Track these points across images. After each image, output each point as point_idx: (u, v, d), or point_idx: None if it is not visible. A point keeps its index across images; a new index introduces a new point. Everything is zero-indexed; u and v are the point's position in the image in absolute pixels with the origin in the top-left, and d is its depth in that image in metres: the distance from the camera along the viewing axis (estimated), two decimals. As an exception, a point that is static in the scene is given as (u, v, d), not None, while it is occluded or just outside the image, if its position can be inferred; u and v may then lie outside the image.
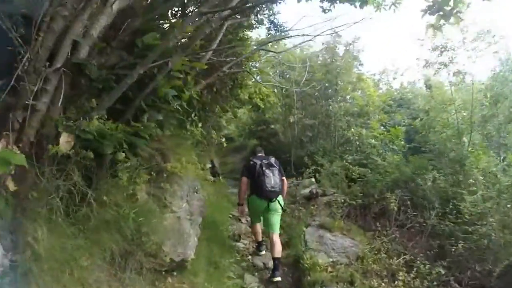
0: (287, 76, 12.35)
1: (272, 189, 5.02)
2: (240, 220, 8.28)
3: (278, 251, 5.00)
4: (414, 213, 6.57)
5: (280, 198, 5.22)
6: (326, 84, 12.03)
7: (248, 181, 5.33)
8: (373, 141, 11.00)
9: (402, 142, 10.30)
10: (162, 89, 3.64)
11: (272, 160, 5.39)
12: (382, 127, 11.72)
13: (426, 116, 9.71)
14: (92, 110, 3.14)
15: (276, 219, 5.22)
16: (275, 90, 13.50)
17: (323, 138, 12.08)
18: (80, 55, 3.37)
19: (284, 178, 5.48)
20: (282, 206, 5.27)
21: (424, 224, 6.38)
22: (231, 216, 8.75)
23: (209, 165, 10.32)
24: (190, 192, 5.19)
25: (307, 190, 8.76)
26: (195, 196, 5.49)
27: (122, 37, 4.02)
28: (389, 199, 6.71)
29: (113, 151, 3.13)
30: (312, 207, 7.83)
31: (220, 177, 11.05)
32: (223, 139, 9.34)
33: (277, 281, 4.89)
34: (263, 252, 5.77)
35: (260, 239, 5.69)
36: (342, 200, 7.35)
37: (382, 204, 6.90)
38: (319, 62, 12.24)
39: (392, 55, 27.49)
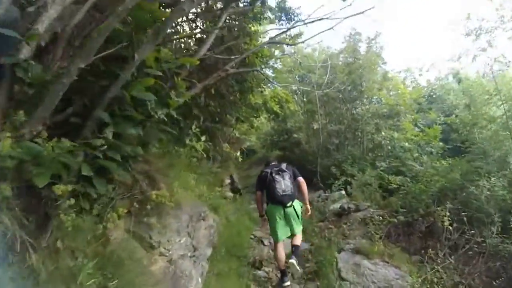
0: (307, 80, 11.20)
1: (284, 193, 4.73)
2: (262, 242, 7.17)
3: (298, 240, 4.88)
4: (470, 230, 5.17)
5: (296, 202, 4.89)
6: (350, 86, 10.82)
7: (263, 193, 5.06)
8: (406, 144, 9.68)
9: (441, 143, 8.91)
10: (131, 92, 2.63)
11: (284, 166, 5.09)
12: (415, 128, 10.37)
13: (467, 111, 8.28)
14: (22, 125, 2.16)
15: (296, 223, 4.88)
16: (295, 97, 12.45)
17: (351, 145, 10.82)
18: (19, 55, 2.43)
19: (300, 178, 5.10)
20: (299, 211, 4.94)
21: (484, 244, 5.01)
22: (252, 237, 7.64)
23: (228, 181, 9.30)
24: (192, 221, 4.14)
25: (337, 205, 7.54)
26: (201, 225, 4.44)
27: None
28: (438, 214, 5.40)
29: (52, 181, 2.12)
30: (345, 226, 6.60)
31: (241, 192, 10.00)
32: (238, 153, 8.28)
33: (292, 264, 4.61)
34: (288, 284, 4.86)
35: (283, 267, 4.86)
36: (380, 217, 6.08)
37: (429, 221, 5.57)
38: (340, 62, 11.05)
39: (415, 51, 25.72)
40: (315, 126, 10.84)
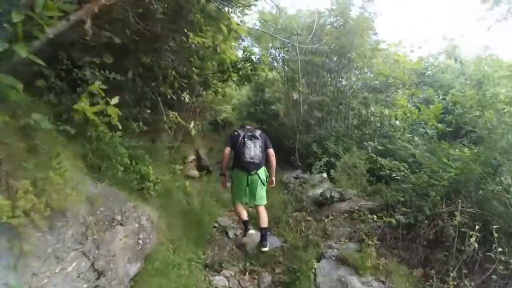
0: (289, 46, 9.42)
1: (251, 160, 4.53)
2: (227, 233, 5.69)
3: (265, 221, 4.69)
4: (490, 242, 3.67)
5: (261, 170, 4.65)
6: (337, 53, 9.11)
7: (231, 152, 4.78)
8: (397, 122, 8.20)
9: (439, 125, 7.44)
10: None
11: (258, 132, 4.80)
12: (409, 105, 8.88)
13: (473, 90, 6.75)
14: None
15: (259, 191, 4.68)
16: (275, 63, 10.68)
17: (335, 120, 9.24)
18: None
19: (270, 150, 4.84)
20: (264, 178, 4.70)
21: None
22: (216, 225, 6.13)
23: (192, 157, 7.70)
24: (93, 232, 2.52)
25: (317, 191, 6.04)
26: (116, 232, 2.83)
27: None
28: (448, 216, 3.94)
29: None
30: (326, 220, 5.13)
31: (211, 169, 8.42)
32: (195, 125, 6.55)
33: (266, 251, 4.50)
34: (252, 231, 4.95)
35: (245, 217, 4.88)
36: (370, 212, 4.63)
37: (437, 224, 4.11)
38: (328, 26, 9.25)
39: (410, 26, 23.78)
40: (295, 96, 9.17)
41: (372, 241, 4.04)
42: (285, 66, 10.41)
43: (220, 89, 7.02)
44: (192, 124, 5.02)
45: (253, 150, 4.54)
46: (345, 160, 6.33)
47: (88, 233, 2.48)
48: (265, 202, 4.81)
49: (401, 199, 4.64)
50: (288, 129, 10.05)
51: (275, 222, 5.64)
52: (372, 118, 8.72)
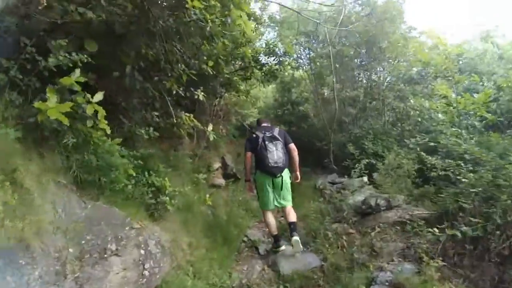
0: (314, 38, 8.62)
1: (276, 165, 4.21)
2: (257, 249, 4.97)
3: (293, 216, 4.33)
4: None
5: (285, 172, 4.37)
6: (367, 44, 8.19)
7: (252, 156, 4.50)
8: (440, 115, 7.16)
9: (489, 114, 6.37)
10: None
11: (276, 131, 4.48)
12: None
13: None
14: None
15: (285, 193, 4.40)
16: (301, 60, 9.89)
17: (370, 116, 8.31)
18: None
19: (291, 145, 4.49)
20: (288, 179, 4.41)
21: None
22: (245, 239, 5.43)
23: (217, 165, 7.04)
24: (81, 266, 1.88)
25: (359, 198, 5.18)
26: (110, 264, 2.18)
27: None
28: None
29: None
30: (373, 233, 4.26)
31: (238, 177, 7.74)
32: (219, 130, 5.94)
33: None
34: (283, 248, 4.43)
35: (275, 232, 4.49)
36: (425, 222, 3.75)
37: (511, 236, 3.18)
38: (354, 15, 8.35)
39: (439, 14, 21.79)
40: (326, 93, 8.34)
41: (434, 260, 3.18)
42: (312, 64, 9.61)
43: (242, 87, 6.29)
44: (210, 127, 4.32)
45: (275, 153, 4.26)
46: (390, 161, 5.42)
47: (67, 270, 1.84)
48: (291, 203, 4.51)
49: (464, 205, 3.71)
50: (319, 130, 9.22)
51: (312, 236, 4.84)
52: (412, 112, 7.74)
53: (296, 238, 4.09)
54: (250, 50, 5.10)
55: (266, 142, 4.27)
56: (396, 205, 4.63)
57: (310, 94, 10.27)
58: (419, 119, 7.82)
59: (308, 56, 9.79)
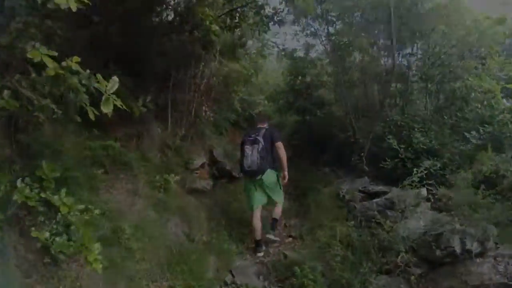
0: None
1: (249, 169, 4.06)
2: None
3: (277, 213, 4.20)
4: None
5: (266, 174, 4.03)
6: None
7: None
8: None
9: None
10: None
11: (262, 133, 4.15)
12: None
13: None
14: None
15: (272, 193, 4.14)
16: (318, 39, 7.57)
17: (416, 99, 5.94)
18: None
19: (277, 143, 4.12)
20: (272, 181, 4.09)
21: None
22: (227, 283, 3.32)
23: (200, 161, 4.82)
24: None
25: (416, 225, 2.93)
26: None
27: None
28: None
29: None
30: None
31: (234, 175, 5.54)
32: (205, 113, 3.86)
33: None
34: (261, 254, 3.97)
35: (258, 237, 4.02)
36: None
37: None
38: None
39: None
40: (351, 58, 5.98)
41: None
42: (331, 38, 7.30)
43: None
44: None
45: (250, 158, 4.06)
46: (478, 167, 3.12)
47: None
48: (280, 201, 4.23)
49: None
50: (340, 119, 6.95)
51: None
52: (473, 94, 5.39)
53: (271, 236, 4.06)
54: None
55: (245, 146, 4.13)
56: (490, 248, 2.36)
57: (328, 78, 7.98)
58: (478, 105, 5.51)
59: (325, 29, 7.51)
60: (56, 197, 2.14)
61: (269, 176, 4.06)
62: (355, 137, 5.79)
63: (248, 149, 4.05)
